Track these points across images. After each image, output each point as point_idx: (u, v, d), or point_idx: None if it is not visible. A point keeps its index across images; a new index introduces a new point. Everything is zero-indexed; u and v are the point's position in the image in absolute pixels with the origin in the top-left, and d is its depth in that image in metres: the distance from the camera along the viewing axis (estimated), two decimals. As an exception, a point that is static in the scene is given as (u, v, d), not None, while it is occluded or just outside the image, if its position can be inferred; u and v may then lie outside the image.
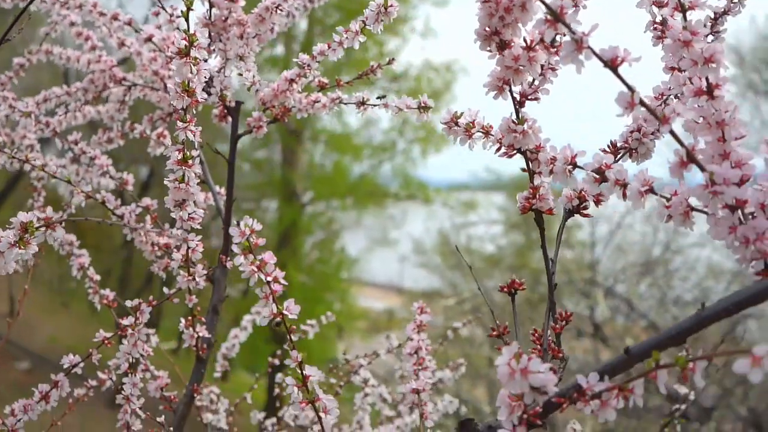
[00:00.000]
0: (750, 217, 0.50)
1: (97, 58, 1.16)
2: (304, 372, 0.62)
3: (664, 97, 0.67)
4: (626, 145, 0.65)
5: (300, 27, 9.24)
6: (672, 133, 0.49)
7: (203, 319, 0.93)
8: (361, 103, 0.91)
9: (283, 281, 0.59)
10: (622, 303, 6.44)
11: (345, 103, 0.93)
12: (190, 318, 0.92)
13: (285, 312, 0.60)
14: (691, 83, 0.53)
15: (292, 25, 1.04)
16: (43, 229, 0.64)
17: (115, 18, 1.07)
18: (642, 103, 0.48)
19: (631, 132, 0.65)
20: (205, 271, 0.88)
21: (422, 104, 0.81)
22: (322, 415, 0.61)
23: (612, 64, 0.49)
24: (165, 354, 1.21)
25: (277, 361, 1.38)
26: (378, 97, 0.93)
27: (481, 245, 10.08)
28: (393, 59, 0.95)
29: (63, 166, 1.17)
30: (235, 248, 0.58)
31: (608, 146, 0.66)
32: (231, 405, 1.31)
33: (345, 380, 1.26)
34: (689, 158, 0.49)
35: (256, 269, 0.58)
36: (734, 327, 6.37)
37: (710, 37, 0.69)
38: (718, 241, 0.51)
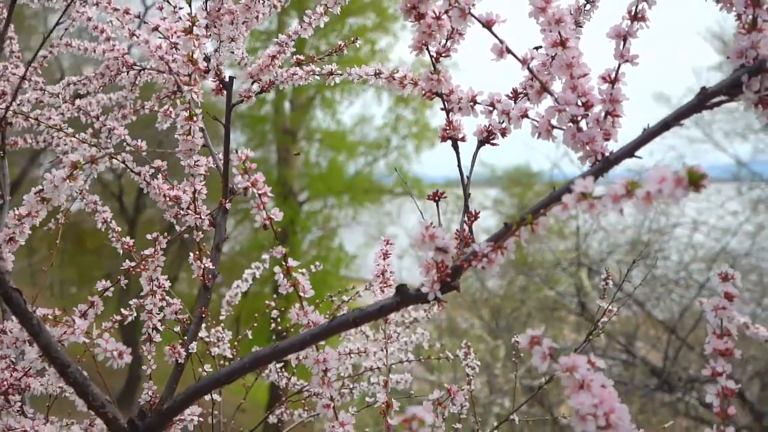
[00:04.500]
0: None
1: (111, 47, 1.38)
2: (287, 264, 0.84)
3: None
4: (524, 91, 0.87)
5: (292, 26, 9.44)
6: (530, 70, 0.71)
7: (208, 252, 1.14)
8: (330, 74, 1.12)
9: (270, 194, 0.81)
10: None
11: (318, 75, 1.14)
12: (197, 252, 1.14)
13: (272, 216, 0.82)
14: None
15: (286, 24, 1.24)
16: (89, 165, 0.86)
17: (126, 12, 1.28)
18: (508, 50, 0.70)
19: (527, 80, 0.87)
20: (208, 211, 1.10)
21: (377, 71, 1.02)
22: (302, 293, 0.83)
23: (488, 25, 0.70)
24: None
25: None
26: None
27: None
28: (357, 38, 1.17)
29: (86, 140, 1.38)
30: (234, 170, 0.80)
31: (511, 91, 0.87)
32: (235, 409, 1.52)
33: (330, 316, 1.47)
34: (543, 88, 0.71)
35: (251, 185, 0.80)
36: (762, 296, 6.59)
37: (588, 7, 0.91)
38: (570, 148, 0.73)
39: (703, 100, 0.64)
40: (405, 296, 0.76)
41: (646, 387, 6.36)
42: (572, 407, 0.58)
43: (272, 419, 1.57)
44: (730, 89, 0.64)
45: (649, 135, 0.66)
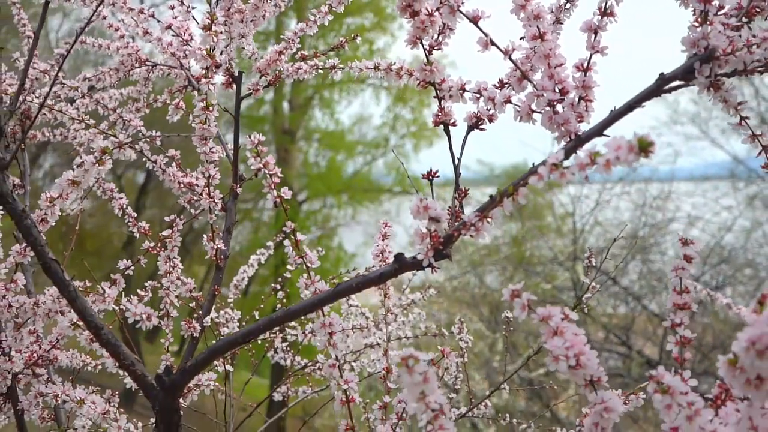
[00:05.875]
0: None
1: (125, 44, 1.47)
2: (296, 237, 0.93)
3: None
4: (509, 80, 0.96)
5: (290, 26, 9.58)
6: (512, 60, 0.80)
7: (221, 234, 1.23)
8: (333, 68, 1.22)
9: (280, 174, 0.90)
10: (604, 277, 6.80)
11: (321, 69, 1.23)
12: (210, 234, 1.23)
13: (282, 194, 0.91)
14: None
15: (284, 24, 1.34)
16: (117, 149, 0.95)
17: (141, 12, 1.37)
18: (492, 42, 0.79)
19: (511, 70, 0.96)
20: (221, 196, 1.19)
21: (376, 65, 1.11)
22: (309, 264, 0.92)
23: (474, 20, 0.80)
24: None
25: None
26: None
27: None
28: (357, 35, 1.26)
29: (105, 132, 1.47)
30: (248, 153, 0.89)
31: (497, 81, 0.96)
32: (234, 403, 1.61)
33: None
34: (523, 76, 0.80)
35: (263, 166, 0.89)
36: (756, 289, 6.72)
37: (568, 5, 1.00)
38: (547, 129, 0.82)
39: (661, 85, 0.74)
40: (402, 263, 0.85)
41: (642, 379, 6.46)
42: (547, 349, 0.67)
43: (277, 397, 1.66)
44: (685, 75, 0.73)
45: (615, 116, 0.76)
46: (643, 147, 0.57)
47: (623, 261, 6.62)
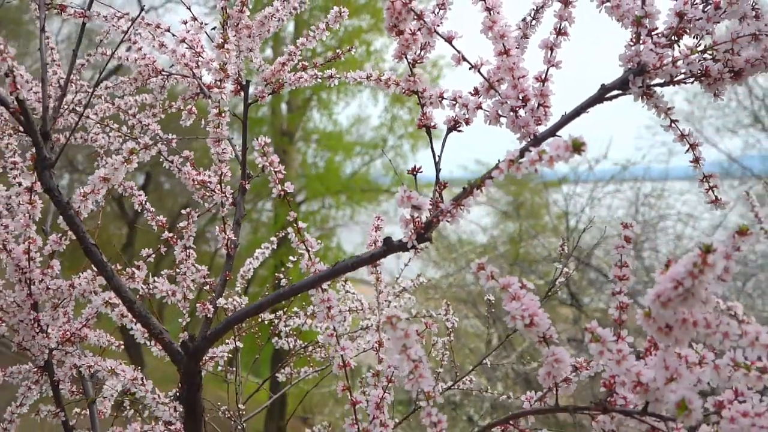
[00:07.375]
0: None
1: (143, 56, 1.62)
2: (298, 225, 1.08)
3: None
4: (480, 89, 1.11)
5: (288, 29, 9.75)
6: (480, 73, 0.95)
7: (231, 225, 1.38)
8: (330, 77, 1.37)
9: (283, 171, 1.05)
10: (598, 274, 6.97)
11: (320, 78, 1.38)
12: (222, 225, 1.38)
13: (285, 188, 1.06)
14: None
15: (282, 28, 1.49)
16: (143, 150, 1.10)
17: (157, 27, 1.52)
18: (464, 58, 0.94)
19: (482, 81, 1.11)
20: (232, 191, 1.34)
21: (368, 75, 1.26)
22: (310, 248, 1.07)
23: (448, 40, 0.95)
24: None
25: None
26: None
27: (473, 236, 10.54)
28: (352, 47, 1.41)
29: (127, 134, 1.62)
30: (255, 153, 1.04)
31: (473, 89, 1.11)
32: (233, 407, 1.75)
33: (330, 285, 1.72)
34: (489, 86, 0.95)
35: (268, 164, 1.04)
36: (744, 283, 6.89)
37: (534, 22, 1.15)
38: (511, 131, 0.97)
39: (603, 94, 0.89)
40: (390, 245, 1.00)
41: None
42: (507, 311, 0.82)
43: (281, 378, 1.81)
44: (622, 85, 0.88)
45: (565, 120, 0.91)
46: (576, 146, 0.72)
47: (595, 248, 6.77)
